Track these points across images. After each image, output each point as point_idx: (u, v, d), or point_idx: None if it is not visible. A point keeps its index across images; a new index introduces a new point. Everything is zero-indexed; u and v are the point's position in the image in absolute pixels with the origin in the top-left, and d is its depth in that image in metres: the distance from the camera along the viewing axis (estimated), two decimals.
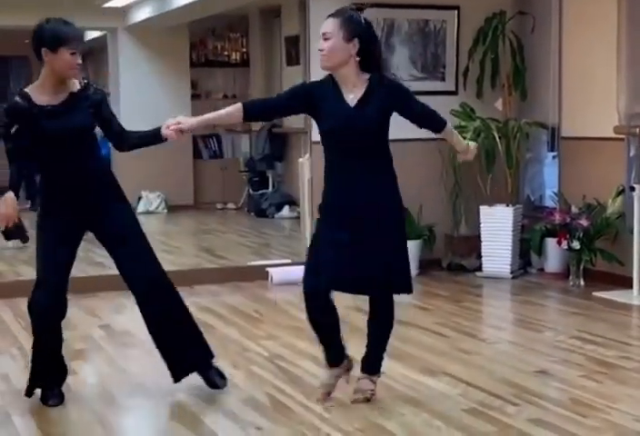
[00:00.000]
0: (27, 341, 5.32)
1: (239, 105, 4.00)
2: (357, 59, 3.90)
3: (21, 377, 4.58)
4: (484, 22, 7.36)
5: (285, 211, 10.97)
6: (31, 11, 9.18)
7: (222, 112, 4.06)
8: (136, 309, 6.23)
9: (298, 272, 7.13)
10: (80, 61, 3.94)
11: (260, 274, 7.14)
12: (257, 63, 12.24)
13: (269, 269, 7.20)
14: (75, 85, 4.05)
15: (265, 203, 11.23)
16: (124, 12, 11.23)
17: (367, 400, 4.10)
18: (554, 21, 7.26)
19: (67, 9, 10.52)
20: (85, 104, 4.03)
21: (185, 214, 11.51)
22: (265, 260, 7.82)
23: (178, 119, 4.05)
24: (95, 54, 14.93)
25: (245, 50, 12.65)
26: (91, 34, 13.47)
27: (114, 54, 11.81)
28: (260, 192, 11.48)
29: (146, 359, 4.96)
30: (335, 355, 4.19)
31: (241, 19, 12.34)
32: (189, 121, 4.09)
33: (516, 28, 7.43)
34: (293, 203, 10.85)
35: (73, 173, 4.05)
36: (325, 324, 4.16)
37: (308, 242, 7.39)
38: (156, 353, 4.94)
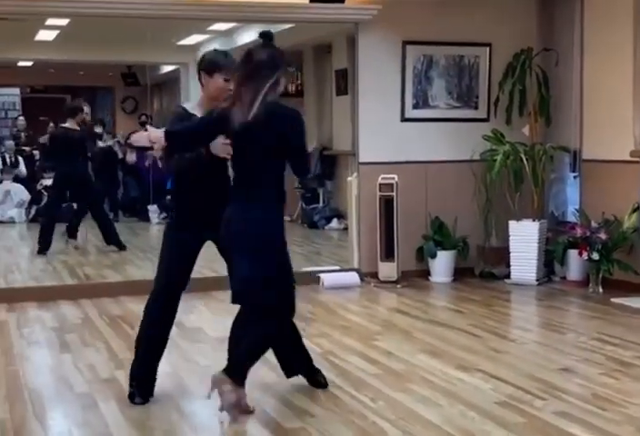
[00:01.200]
0: (111, 336, 5.42)
1: None
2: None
3: (105, 367, 4.64)
4: (512, 57, 7.32)
5: (334, 223, 10.96)
6: (116, 48, 9.35)
7: None
8: (205, 309, 6.31)
9: (346, 277, 7.20)
10: (231, 87, 3.90)
11: (312, 279, 7.15)
12: (310, 93, 12.27)
13: (321, 274, 7.20)
14: None
15: (317, 216, 11.24)
16: (195, 49, 11.33)
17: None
18: (575, 56, 7.19)
19: (147, 46, 10.67)
20: None
21: None
22: (316, 266, 7.82)
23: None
24: (170, 86, 15.10)
25: (299, 82, 12.68)
26: (166, 68, 13.63)
27: (185, 86, 11.90)
28: (312, 206, 11.49)
29: (215, 353, 4.99)
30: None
31: (296, 55, 12.39)
32: None
33: (542, 62, 7.37)
34: (341, 216, 10.85)
35: (216, 188, 3.96)
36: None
37: (355, 251, 7.47)
38: (224, 347, 4.98)
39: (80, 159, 9.06)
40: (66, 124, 9.08)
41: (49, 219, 8.87)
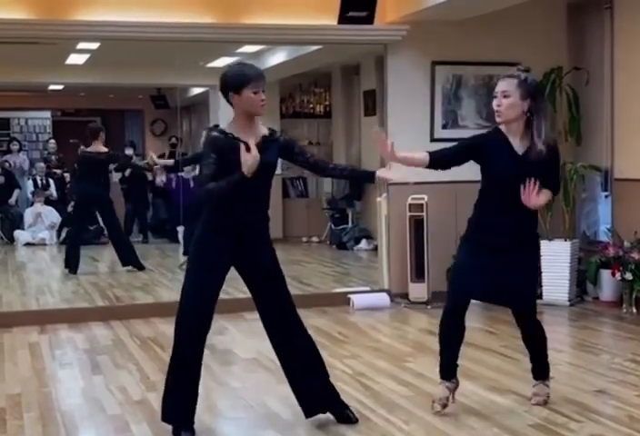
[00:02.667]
0: (142, 357, 5.44)
1: (426, 154, 4.09)
2: (527, 115, 3.98)
3: (137, 389, 4.65)
4: (542, 76, 7.29)
5: (363, 243, 10.95)
6: (146, 71, 9.46)
7: (414, 155, 4.13)
8: (235, 330, 6.32)
9: (376, 298, 7.18)
10: (263, 97, 3.78)
11: (342, 300, 7.14)
12: (339, 114, 12.32)
13: (351, 295, 7.19)
14: (264, 130, 3.91)
15: (346, 237, 11.24)
16: (223, 71, 11.42)
17: (545, 402, 4.21)
18: (606, 75, 7.17)
19: (176, 69, 10.80)
20: (275, 146, 3.90)
21: (275, 246, 11.46)
22: (346, 287, 7.81)
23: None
24: (198, 108, 15.22)
25: (327, 103, 12.73)
26: (195, 91, 13.75)
27: (214, 107, 11.98)
28: (341, 227, 11.50)
29: (246, 375, 5.01)
30: (449, 370, 4.18)
31: (325, 76, 12.46)
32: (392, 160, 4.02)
33: (572, 81, 7.35)
34: (370, 236, 10.85)
35: (252, 208, 3.88)
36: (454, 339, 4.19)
37: (385, 272, 7.44)
38: (255, 369, 4.99)
39: (102, 181, 9.15)
40: (91, 148, 9.13)
41: (72, 241, 8.98)
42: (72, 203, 10.94)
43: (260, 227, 3.97)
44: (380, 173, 4.00)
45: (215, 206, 3.82)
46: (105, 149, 9.06)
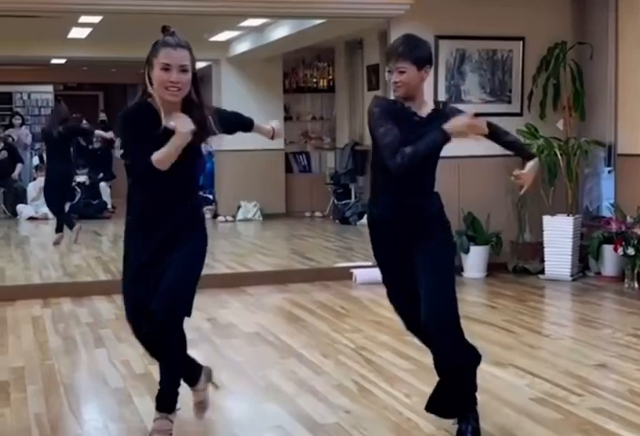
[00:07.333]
0: None
1: None
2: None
3: (139, 362, 4.66)
4: (546, 51, 7.25)
5: (366, 219, 10.95)
6: (148, 45, 9.38)
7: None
8: (237, 304, 6.33)
9: (378, 273, 7.17)
10: None
11: (345, 275, 7.14)
12: (342, 88, 12.26)
13: (353, 270, 7.19)
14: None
15: (348, 212, 11.24)
16: (226, 45, 11.36)
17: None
18: (610, 49, 7.11)
19: None
20: None
21: (278, 222, 11.56)
22: (348, 262, 7.81)
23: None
24: (202, 82, 15.14)
25: (331, 77, 12.67)
26: (198, 64, 13.65)
27: (217, 82, 11.94)
28: (344, 202, 11.49)
29: (247, 348, 5.02)
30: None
31: (328, 50, 12.38)
32: None
33: (576, 56, 7.30)
34: None
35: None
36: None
37: None
38: (257, 343, 5.00)
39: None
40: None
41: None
42: (75, 178, 10.95)
43: None
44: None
45: None
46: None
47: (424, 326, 3.35)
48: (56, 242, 8.72)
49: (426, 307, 3.31)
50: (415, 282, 3.40)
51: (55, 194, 8.88)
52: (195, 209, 3.46)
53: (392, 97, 3.48)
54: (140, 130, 3.20)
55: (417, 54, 3.35)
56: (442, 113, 3.43)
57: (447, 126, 3.26)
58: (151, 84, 3.24)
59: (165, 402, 3.43)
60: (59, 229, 8.71)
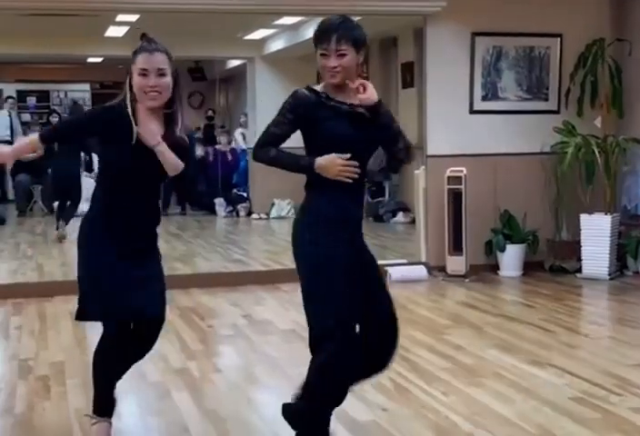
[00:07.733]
0: (182, 327, 5.48)
1: None
2: None
3: (177, 357, 4.69)
4: (584, 48, 7.18)
5: (400, 216, 10.93)
6: (183, 43, 9.41)
7: None
8: (273, 301, 6.34)
9: (414, 271, 7.16)
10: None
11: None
12: (376, 86, 12.09)
13: (388, 268, 7.17)
14: None
15: (382, 210, 11.21)
16: (261, 43, 11.39)
17: None
18: None
19: (214, 41, 10.79)
20: None
21: None
22: (382, 260, 7.75)
23: None
24: (236, 80, 15.20)
25: (365, 75, 12.64)
26: (233, 63, 13.72)
27: (251, 80, 11.97)
28: (377, 199, 11.45)
29: (283, 345, 5.03)
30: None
31: None
32: None
33: (615, 53, 7.22)
34: (406, 209, 10.82)
35: None
36: None
37: (423, 245, 7.42)
38: (292, 340, 5.00)
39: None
40: None
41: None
42: None
43: None
44: None
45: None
46: None
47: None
48: (61, 238, 9.17)
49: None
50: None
51: (61, 192, 9.57)
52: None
53: (319, 87, 3.11)
54: (112, 131, 3.19)
55: (356, 34, 3.02)
56: (382, 109, 3.18)
57: (317, 165, 3.05)
58: (132, 91, 3.23)
59: (108, 405, 3.46)
60: (61, 223, 9.27)
